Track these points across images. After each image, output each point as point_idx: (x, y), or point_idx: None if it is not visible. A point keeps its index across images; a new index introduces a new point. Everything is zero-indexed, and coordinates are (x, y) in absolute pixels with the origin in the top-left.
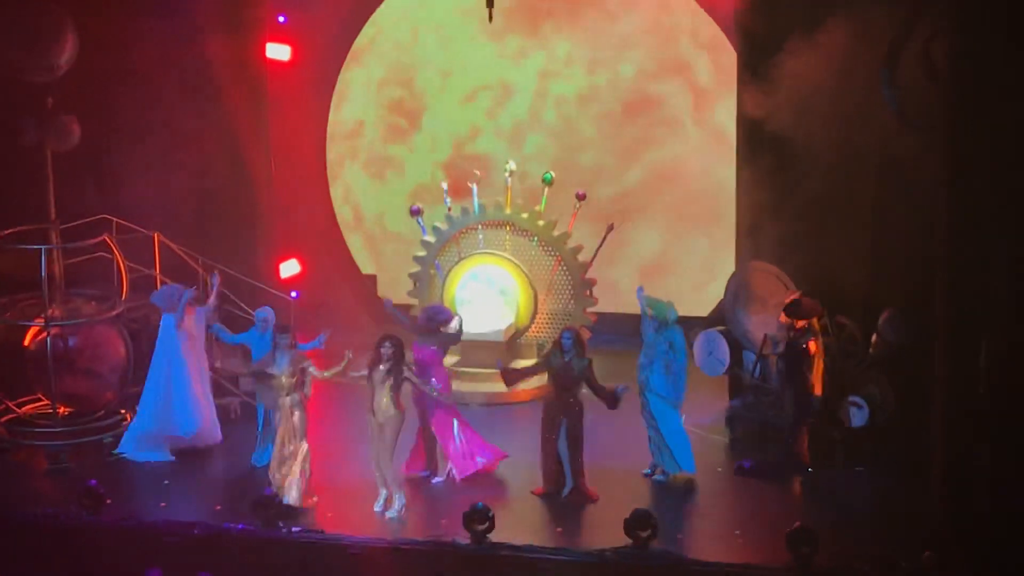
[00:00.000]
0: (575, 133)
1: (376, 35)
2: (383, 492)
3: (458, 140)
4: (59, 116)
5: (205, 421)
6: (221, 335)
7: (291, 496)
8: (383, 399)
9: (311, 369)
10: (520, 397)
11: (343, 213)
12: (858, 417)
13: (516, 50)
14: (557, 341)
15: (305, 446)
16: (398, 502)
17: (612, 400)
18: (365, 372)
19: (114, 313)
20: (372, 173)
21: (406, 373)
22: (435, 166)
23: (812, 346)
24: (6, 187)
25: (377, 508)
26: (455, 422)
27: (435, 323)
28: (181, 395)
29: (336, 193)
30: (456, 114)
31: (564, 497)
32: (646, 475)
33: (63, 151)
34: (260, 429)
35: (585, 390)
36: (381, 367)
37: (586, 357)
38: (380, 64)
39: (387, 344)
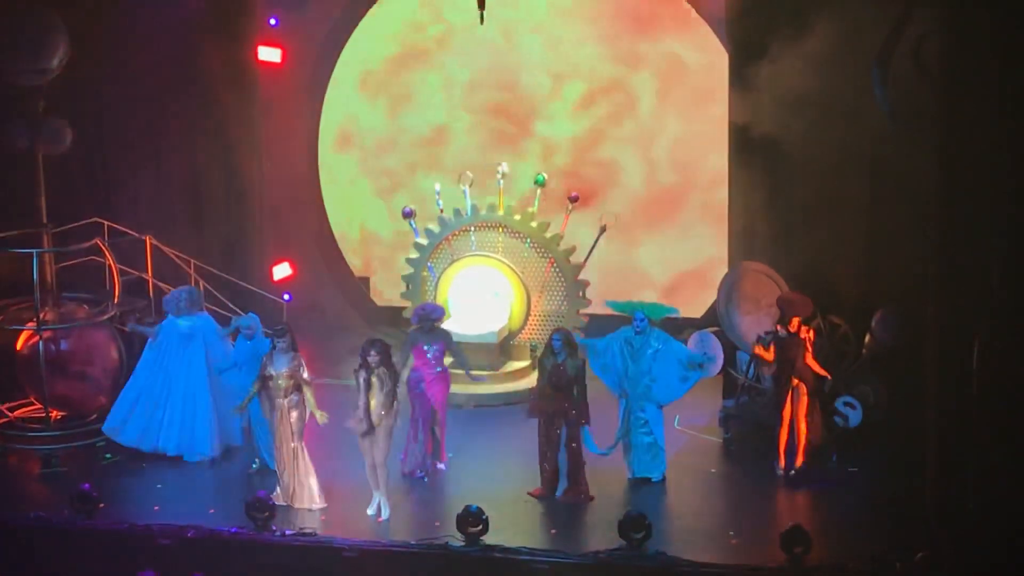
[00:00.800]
0: (699, 136)
1: (445, 36)
2: (376, 496)
3: (579, 145)
4: (50, 120)
5: (140, 428)
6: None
7: (303, 497)
8: (373, 404)
9: (306, 390)
10: (512, 399)
11: (406, 227)
12: (851, 417)
13: (628, 53)
14: (548, 343)
15: (302, 447)
16: (387, 505)
17: (586, 418)
18: (354, 381)
19: (106, 317)
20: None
21: (389, 377)
22: (552, 173)
23: (804, 343)
24: None
25: (371, 512)
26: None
27: (430, 320)
28: (124, 392)
29: (397, 204)
30: (573, 118)
31: (558, 497)
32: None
33: (55, 155)
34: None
35: None
36: (369, 372)
37: (579, 358)
38: (464, 66)
39: (372, 351)
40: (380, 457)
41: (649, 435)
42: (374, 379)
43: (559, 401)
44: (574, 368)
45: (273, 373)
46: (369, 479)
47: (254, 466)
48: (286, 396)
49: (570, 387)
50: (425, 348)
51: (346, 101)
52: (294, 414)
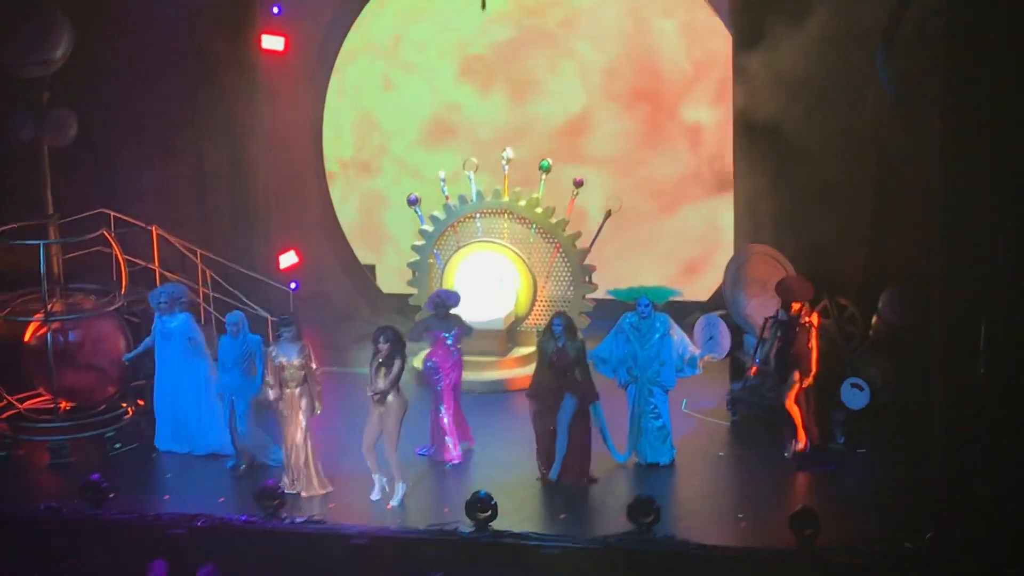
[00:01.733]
0: None
1: (571, 18)
2: (377, 480)
3: (724, 131)
4: (55, 110)
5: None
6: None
7: (313, 485)
8: (384, 388)
9: (312, 380)
10: (520, 385)
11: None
12: (859, 399)
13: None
14: (548, 327)
15: (310, 436)
16: (400, 490)
17: (593, 396)
18: (365, 369)
19: (114, 307)
20: (617, 170)
21: (400, 365)
22: (700, 160)
23: (808, 328)
24: (3, 183)
25: (373, 497)
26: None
27: (446, 307)
28: None
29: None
30: (715, 104)
31: (559, 479)
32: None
33: (60, 146)
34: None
35: None
36: (379, 358)
37: (579, 340)
38: (599, 51)
39: (382, 338)
40: (391, 442)
41: (658, 419)
42: (383, 366)
43: (560, 385)
44: (575, 350)
45: (284, 363)
46: (368, 462)
47: (241, 466)
48: (297, 385)
49: (572, 370)
50: (444, 335)
51: (440, 89)
52: (303, 402)
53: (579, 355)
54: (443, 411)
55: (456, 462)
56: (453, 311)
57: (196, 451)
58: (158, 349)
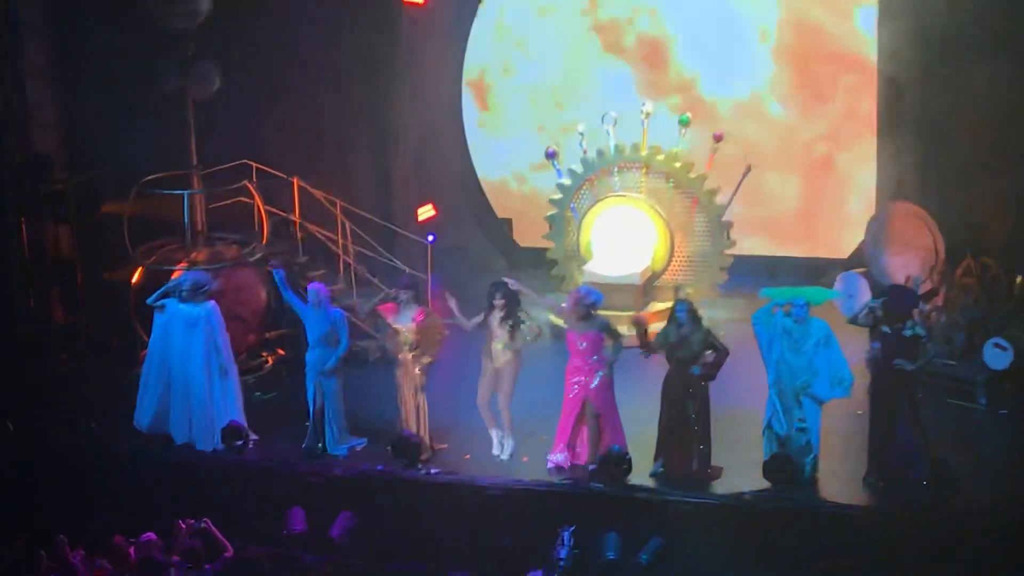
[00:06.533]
0: None
1: None
2: (495, 435)
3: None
4: (200, 62)
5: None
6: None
7: (425, 448)
8: (499, 345)
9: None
10: None
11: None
12: (1001, 359)
13: None
14: (671, 314)
15: (424, 400)
16: (509, 445)
17: (714, 371)
18: (480, 318)
19: (255, 257)
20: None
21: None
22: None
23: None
24: (148, 134)
25: (495, 452)
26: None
27: (585, 307)
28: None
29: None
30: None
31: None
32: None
33: (203, 98)
34: (311, 414)
35: None
36: (496, 315)
37: (703, 329)
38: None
39: (498, 295)
40: (505, 398)
41: (805, 433)
42: (496, 321)
43: (684, 375)
44: (698, 341)
45: (400, 327)
46: (483, 417)
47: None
48: (412, 350)
49: (694, 361)
50: (575, 337)
51: (575, 43)
52: (418, 367)
53: (703, 345)
54: (562, 415)
55: (550, 465)
56: (595, 312)
57: (200, 445)
58: (175, 336)
